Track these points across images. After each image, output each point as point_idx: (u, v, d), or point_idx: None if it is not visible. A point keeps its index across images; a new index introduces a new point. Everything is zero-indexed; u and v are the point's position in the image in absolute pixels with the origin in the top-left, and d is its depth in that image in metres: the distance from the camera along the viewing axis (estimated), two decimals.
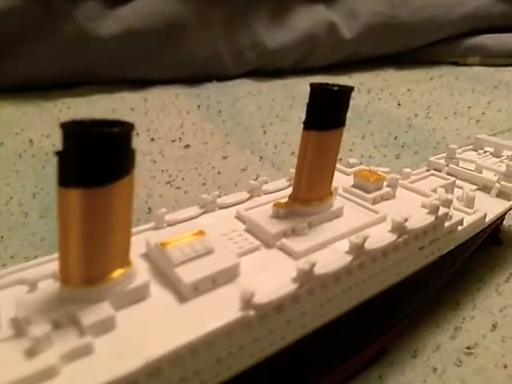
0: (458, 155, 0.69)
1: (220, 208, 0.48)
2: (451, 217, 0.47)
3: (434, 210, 0.44)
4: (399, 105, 1.27)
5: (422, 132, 1.11)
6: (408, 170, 0.63)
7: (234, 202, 0.48)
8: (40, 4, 1.17)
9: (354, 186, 0.50)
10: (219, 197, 0.48)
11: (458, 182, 0.64)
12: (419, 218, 0.44)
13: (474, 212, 0.54)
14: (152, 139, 1.01)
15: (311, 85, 0.41)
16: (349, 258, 0.38)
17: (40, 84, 1.24)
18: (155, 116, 1.14)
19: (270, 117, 1.18)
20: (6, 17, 1.15)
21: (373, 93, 1.37)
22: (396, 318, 0.50)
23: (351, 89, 0.41)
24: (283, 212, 0.43)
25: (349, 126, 0.43)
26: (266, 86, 1.41)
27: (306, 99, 0.41)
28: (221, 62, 1.42)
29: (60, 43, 1.21)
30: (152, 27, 1.29)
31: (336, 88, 0.40)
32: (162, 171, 0.88)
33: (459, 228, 0.49)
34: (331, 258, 0.38)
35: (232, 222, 0.45)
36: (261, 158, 0.96)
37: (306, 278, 0.35)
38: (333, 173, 0.45)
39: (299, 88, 1.39)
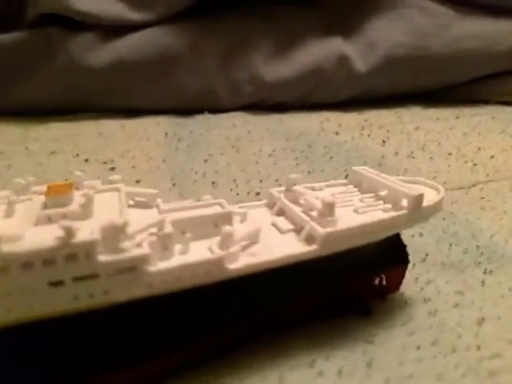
0: (304, 190, 0.53)
1: None
2: (124, 250, 0.34)
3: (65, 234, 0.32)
4: (384, 142, 1.08)
5: (388, 172, 0.90)
6: (208, 196, 0.50)
7: None
8: (40, 36, 1.28)
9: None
10: None
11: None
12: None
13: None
14: (86, 160, 1.00)
15: None
16: None
17: (36, 111, 1.33)
18: (111, 139, 1.13)
19: (227, 147, 1.09)
20: (10, 49, 1.27)
21: (367, 129, 1.20)
22: None
23: None
24: None
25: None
26: (257, 119, 1.33)
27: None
28: (215, 95, 1.39)
29: (54, 73, 1.29)
30: (143, 58, 1.31)
31: None
32: None
33: (154, 270, 0.36)
34: None
35: None
36: (173, 185, 0.88)
37: None
38: None
39: (290, 122, 1.28)
